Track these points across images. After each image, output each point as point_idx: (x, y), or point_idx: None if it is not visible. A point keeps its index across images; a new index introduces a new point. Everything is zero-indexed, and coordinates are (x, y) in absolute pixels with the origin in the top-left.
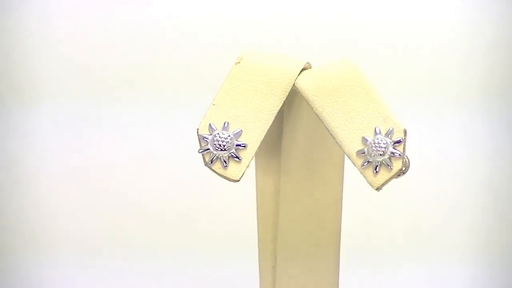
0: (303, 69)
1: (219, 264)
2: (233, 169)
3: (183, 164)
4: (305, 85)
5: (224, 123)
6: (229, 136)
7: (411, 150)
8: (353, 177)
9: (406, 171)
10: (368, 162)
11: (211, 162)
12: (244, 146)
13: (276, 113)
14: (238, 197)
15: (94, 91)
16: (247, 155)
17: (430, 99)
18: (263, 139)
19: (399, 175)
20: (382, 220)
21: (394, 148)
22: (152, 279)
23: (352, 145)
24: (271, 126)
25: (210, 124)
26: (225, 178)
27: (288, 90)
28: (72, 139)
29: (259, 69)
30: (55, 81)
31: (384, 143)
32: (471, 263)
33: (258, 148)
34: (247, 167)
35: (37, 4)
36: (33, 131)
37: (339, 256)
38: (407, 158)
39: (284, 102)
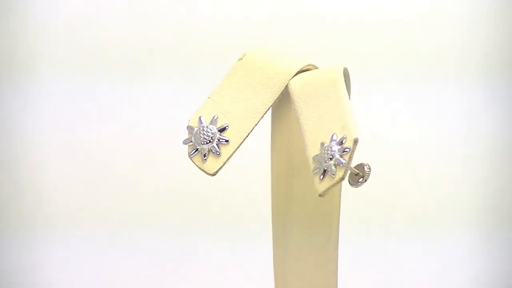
0: (306, 70)
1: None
2: (211, 163)
3: None
4: (294, 86)
5: (213, 117)
6: (212, 130)
7: (412, 126)
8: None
9: (366, 179)
10: (318, 167)
11: (192, 154)
12: (226, 142)
13: (265, 112)
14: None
15: (94, 69)
16: (227, 150)
17: (430, 74)
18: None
19: (358, 183)
20: (384, 195)
21: (341, 156)
22: (156, 260)
23: (312, 149)
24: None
25: (200, 117)
26: (203, 171)
27: (281, 90)
28: (73, 117)
29: (258, 67)
30: (55, 56)
31: (332, 151)
32: (474, 237)
33: (272, 145)
34: (225, 162)
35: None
36: (32, 107)
37: (338, 233)
38: (368, 166)
39: (275, 101)
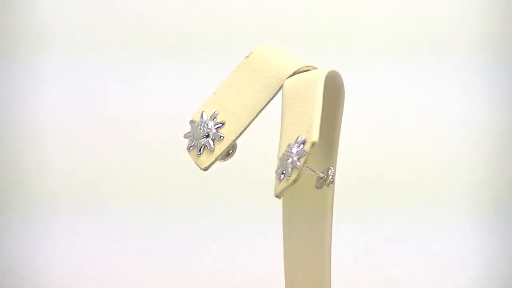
0: (306, 71)
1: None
2: (204, 158)
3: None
4: (285, 86)
5: (214, 112)
6: (209, 125)
7: (410, 101)
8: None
9: (328, 184)
10: (280, 168)
11: (190, 148)
12: (221, 138)
13: (259, 111)
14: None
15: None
16: (220, 147)
17: (427, 49)
18: None
19: (323, 187)
20: (381, 172)
21: (298, 159)
22: (165, 234)
23: (281, 150)
24: None
25: (203, 112)
26: (197, 165)
27: (276, 89)
28: (82, 88)
29: (260, 65)
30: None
31: (291, 152)
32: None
33: None
34: (217, 158)
35: None
36: (40, 78)
37: (331, 219)
38: (332, 170)
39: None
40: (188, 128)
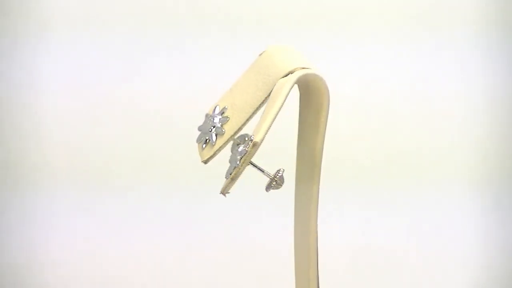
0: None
1: None
2: (206, 151)
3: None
4: (275, 86)
5: (224, 107)
6: (215, 120)
7: (409, 98)
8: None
9: (273, 185)
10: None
11: (198, 140)
12: (223, 132)
13: (257, 108)
14: None
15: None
16: (220, 141)
17: (427, 49)
18: None
19: (270, 186)
20: (380, 172)
21: (239, 158)
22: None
23: None
24: None
25: (216, 106)
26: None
27: (272, 89)
28: (81, 84)
29: (266, 63)
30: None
31: (237, 151)
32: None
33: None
34: (216, 152)
35: None
36: (42, 59)
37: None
38: (279, 172)
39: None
40: (190, 122)
